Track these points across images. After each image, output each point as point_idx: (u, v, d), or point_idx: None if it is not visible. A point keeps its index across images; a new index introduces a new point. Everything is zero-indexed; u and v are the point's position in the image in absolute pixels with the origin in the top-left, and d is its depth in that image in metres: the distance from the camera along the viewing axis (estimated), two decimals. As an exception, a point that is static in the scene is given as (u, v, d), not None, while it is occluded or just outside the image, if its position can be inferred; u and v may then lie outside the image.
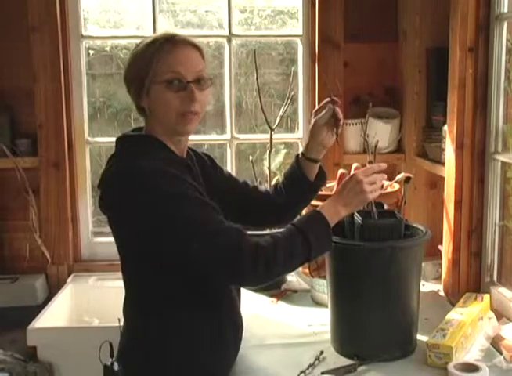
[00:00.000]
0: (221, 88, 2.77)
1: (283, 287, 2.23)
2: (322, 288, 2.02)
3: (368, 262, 1.61)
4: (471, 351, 1.68)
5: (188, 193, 1.39)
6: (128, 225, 1.44)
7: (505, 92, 1.96)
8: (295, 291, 2.20)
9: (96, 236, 2.85)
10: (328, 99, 1.64)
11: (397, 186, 2.05)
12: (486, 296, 1.87)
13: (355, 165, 1.83)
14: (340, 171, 1.95)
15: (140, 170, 1.39)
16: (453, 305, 1.89)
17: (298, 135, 2.85)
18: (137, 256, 1.47)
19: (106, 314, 2.41)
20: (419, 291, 1.72)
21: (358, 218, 1.64)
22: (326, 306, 1.79)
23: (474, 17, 1.96)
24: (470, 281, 2.08)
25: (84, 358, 1.87)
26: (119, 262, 1.53)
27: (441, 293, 2.15)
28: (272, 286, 2.16)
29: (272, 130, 2.41)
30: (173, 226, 1.37)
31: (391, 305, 1.64)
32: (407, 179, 1.79)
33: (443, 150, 2.20)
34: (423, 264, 1.75)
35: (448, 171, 2.10)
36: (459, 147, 2.03)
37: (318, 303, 2.06)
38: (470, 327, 1.69)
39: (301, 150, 2.77)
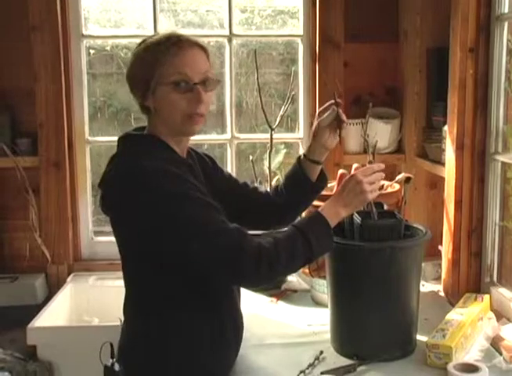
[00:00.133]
0: (221, 88, 2.77)
1: (283, 286, 2.23)
2: (322, 288, 2.02)
3: (368, 263, 1.61)
4: (471, 351, 1.68)
5: (190, 193, 1.39)
6: (129, 224, 1.44)
7: (505, 93, 1.96)
8: (295, 291, 2.21)
9: (96, 236, 2.85)
10: (332, 101, 1.64)
11: (397, 187, 2.05)
12: (486, 296, 1.87)
13: (355, 165, 1.83)
14: (340, 171, 1.96)
15: (142, 169, 1.39)
16: (453, 305, 1.89)
17: (298, 135, 2.85)
18: (137, 256, 1.47)
19: (106, 313, 2.41)
20: (419, 291, 1.72)
21: (357, 219, 1.64)
22: (326, 306, 1.79)
23: (475, 17, 1.96)
24: (470, 281, 2.08)
25: (83, 357, 1.87)
26: (119, 262, 1.53)
27: (441, 293, 2.15)
28: (271, 286, 2.17)
29: (272, 130, 2.41)
30: (174, 226, 1.37)
31: (391, 305, 1.64)
32: (407, 180, 1.79)
33: (443, 150, 2.20)
34: (423, 264, 1.75)
35: (449, 171, 2.10)
36: (460, 148, 2.03)
37: (318, 303, 2.06)
38: (469, 328, 1.69)
39: (301, 150, 2.80)
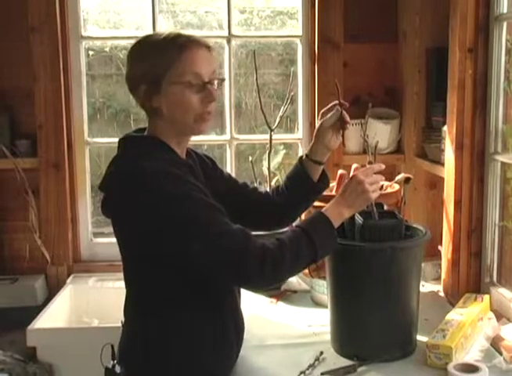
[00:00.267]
0: (221, 89, 2.77)
1: (283, 287, 2.23)
2: (322, 289, 2.02)
3: (368, 263, 1.61)
4: (471, 351, 1.68)
5: (192, 194, 1.39)
6: (130, 226, 1.44)
7: (504, 93, 1.96)
8: (295, 292, 2.20)
9: (96, 237, 2.85)
10: (336, 102, 1.64)
11: (397, 187, 2.05)
12: (486, 297, 1.87)
13: (354, 166, 1.83)
14: (340, 171, 1.96)
15: (142, 171, 1.39)
16: (453, 305, 1.89)
17: (298, 136, 2.85)
18: (138, 257, 1.47)
19: (106, 315, 2.41)
20: (419, 291, 1.72)
21: (358, 219, 1.64)
22: (326, 307, 1.79)
23: (474, 18, 1.96)
24: (469, 282, 2.08)
25: (83, 358, 1.87)
26: (119, 263, 1.53)
27: (441, 293, 2.15)
28: (271, 286, 2.17)
29: (271, 130, 2.41)
30: (175, 227, 1.37)
31: (391, 305, 1.64)
32: (407, 180, 1.79)
33: (443, 150, 2.20)
34: (422, 264, 1.75)
35: (448, 171, 2.10)
36: (459, 148, 2.03)
37: (318, 304, 2.06)
38: (469, 328, 1.69)
39: (300, 150, 2.80)
